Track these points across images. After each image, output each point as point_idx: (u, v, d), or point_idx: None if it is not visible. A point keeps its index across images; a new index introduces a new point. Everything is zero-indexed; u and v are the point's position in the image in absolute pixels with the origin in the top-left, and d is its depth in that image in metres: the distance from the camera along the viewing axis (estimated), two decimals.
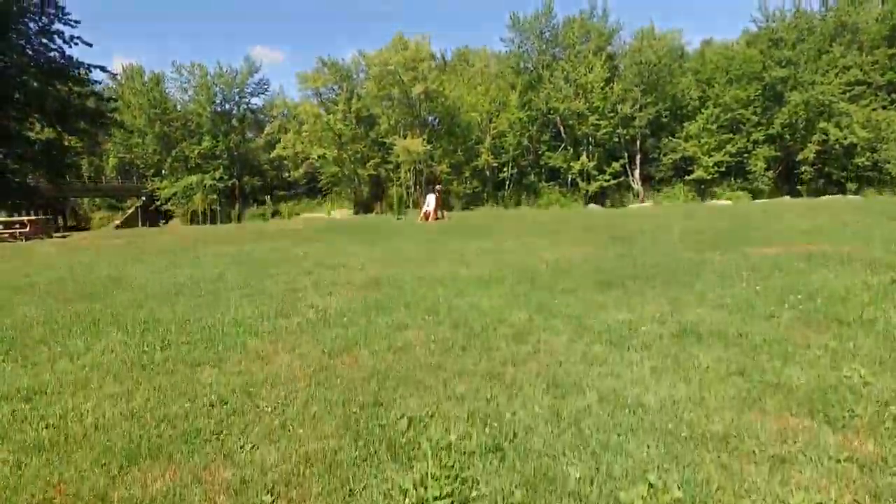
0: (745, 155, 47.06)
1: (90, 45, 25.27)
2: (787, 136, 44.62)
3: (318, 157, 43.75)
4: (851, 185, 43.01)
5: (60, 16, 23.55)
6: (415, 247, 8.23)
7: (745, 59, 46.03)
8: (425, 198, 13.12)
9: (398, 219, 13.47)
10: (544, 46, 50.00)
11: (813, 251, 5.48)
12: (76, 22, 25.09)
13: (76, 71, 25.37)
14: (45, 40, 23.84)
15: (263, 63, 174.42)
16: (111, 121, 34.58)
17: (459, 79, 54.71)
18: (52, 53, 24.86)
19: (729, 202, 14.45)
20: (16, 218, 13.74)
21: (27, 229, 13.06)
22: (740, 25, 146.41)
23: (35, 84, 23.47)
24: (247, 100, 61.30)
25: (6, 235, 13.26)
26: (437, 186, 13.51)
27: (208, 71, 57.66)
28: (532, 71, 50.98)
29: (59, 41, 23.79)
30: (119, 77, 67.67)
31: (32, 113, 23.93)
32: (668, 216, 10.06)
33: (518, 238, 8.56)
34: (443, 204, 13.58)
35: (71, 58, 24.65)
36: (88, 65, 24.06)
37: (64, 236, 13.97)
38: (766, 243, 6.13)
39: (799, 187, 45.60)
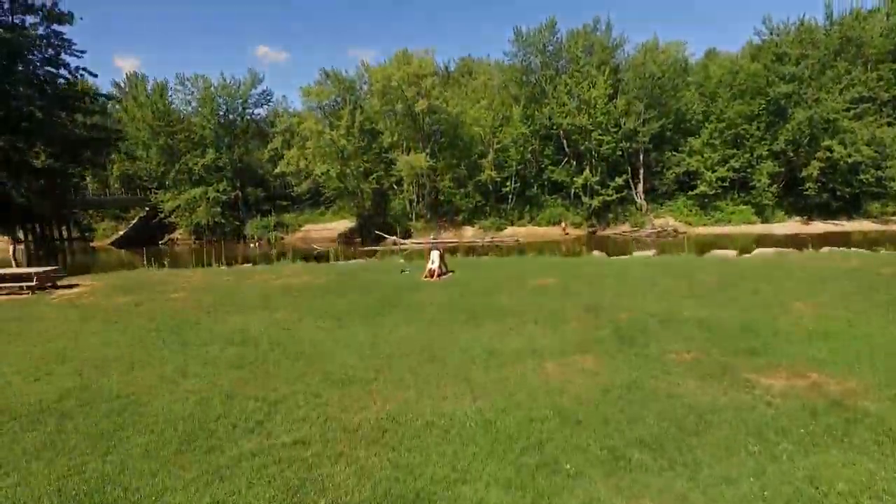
0: (749, 170, 46.98)
1: (95, 76, 25.56)
2: (791, 153, 44.50)
3: (322, 173, 43.77)
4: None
5: (66, 47, 23.71)
6: (413, 336, 8.18)
7: (750, 74, 45.93)
8: (429, 255, 13.10)
9: (402, 272, 13.43)
10: (548, 60, 49.97)
11: (821, 389, 5.47)
12: (81, 52, 25.26)
13: (82, 101, 25.48)
14: (50, 69, 23.99)
15: (267, 62, 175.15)
16: (116, 144, 34.67)
17: (462, 91, 54.78)
18: (59, 81, 24.98)
19: (732, 254, 14.31)
20: (24, 270, 13.79)
21: (34, 282, 13.12)
22: (744, 32, 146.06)
23: (40, 115, 23.59)
24: (250, 110, 61.73)
25: (15, 288, 13.34)
26: (439, 250, 13.46)
27: (212, 82, 57.91)
28: (535, 84, 50.98)
29: (64, 72, 23.97)
30: (123, 85, 68.30)
31: (38, 143, 24.07)
32: (671, 293, 10.03)
33: (522, 323, 8.56)
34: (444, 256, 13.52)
35: (76, 88, 24.78)
36: (95, 94, 24.37)
37: (70, 286, 14.03)
38: (770, 366, 6.13)
39: (802, 196, 45.67)
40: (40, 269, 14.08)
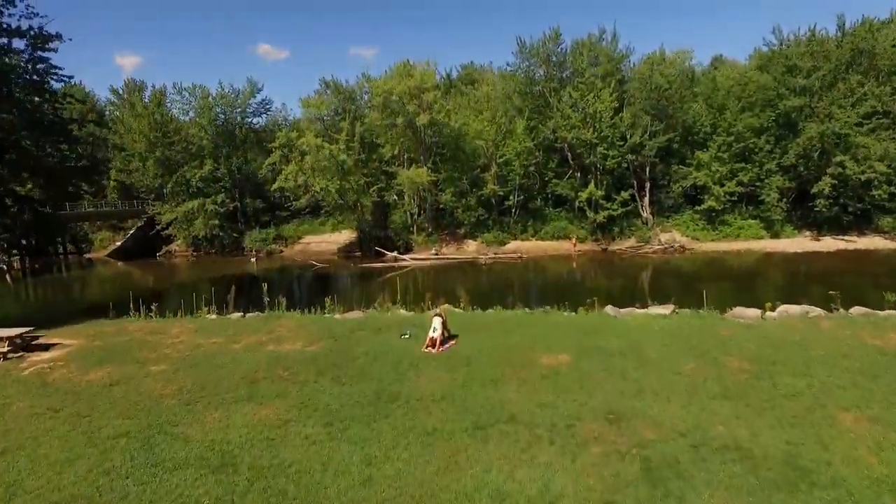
0: (758, 184, 45.92)
1: (83, 103, 24.74)
2: (802, 168, 43.39)
3: (321, 189, 42.79)
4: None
5: (53, 74, 22.71)
6: (411, 467, 7.19)
7: (759, 86, 44.83)
8: (431, 322, 12.12)
9: (402, 336, 12.45)
10: (552, 71, 48.86)
11: None
12: (69, 77, 24.27)
13: (70, 127, 24.51)
14: (36, 98, 22.99)
15: (269, 61, 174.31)
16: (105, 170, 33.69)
17: (465, 100, 53.71)
18: (45, 106, 23.98)
19: (755, 313, 13.29)
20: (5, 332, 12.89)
21: (5, 348, 12.20)
22: (750, 34, 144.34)
23: (27, 143, 22.62)
24: (249, 120, 60.80)
25: None
26: (441, 310, 12.45)
27: (210, 92, 56.93)
28: (539, 96, 49.91)
29: (50, 99, 22.96)
30: (122, 91, 67.35)
31: (24, 174, 23.10)
32: (698, 389, 9.06)
33: (535, 440, 7.59)
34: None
35: (62, 116, 23.82)
36: (83, 119, 23.53)
37: (47, 346, 13.11)
38: None
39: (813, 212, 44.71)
40: (13, 332, 13.13)
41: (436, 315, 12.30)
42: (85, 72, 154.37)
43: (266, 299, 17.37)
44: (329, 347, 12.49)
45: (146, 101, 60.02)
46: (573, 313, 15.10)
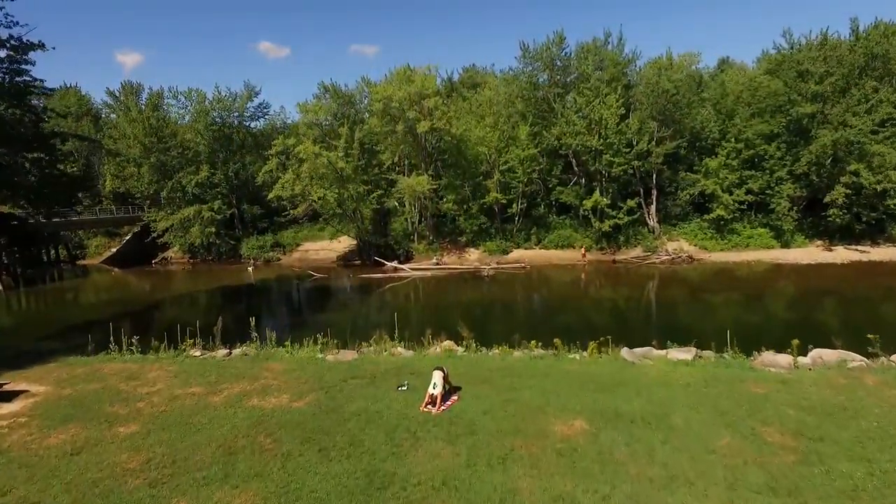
0: (768, 192, 44.65)
1: (64, 117, 23.60)
2: (814, 176, 42.06)
3: (319, 198, 41.58)
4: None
5: (33, 88, 21.61)
6: None
7: (770, 92, 43.50)
8: (431, 378, 10.93)
9: (399, 388, 11.27)
10: (556, 76, 47.53)
11: None
12: (50, 90, 23.14)
13: (52, 142, 23.41)
14: (16, 112, 21.86)
15: (269, 59, 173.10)
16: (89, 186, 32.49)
17: (467, 105, 52.45)
18: (25, 119, 22.84)
19: (788, 360, 12.03)
20: None
21: None
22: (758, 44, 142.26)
23: (6, 159, 21.47)
24: (247, 124, 59.61)
25: None
26: (442, 370, 11.26)
27: (206, 96, 55.75)
28: (542, 101, 48.59)
29: (28, 112, 21.85)
30: (118, 94, 66.17)
31: (4, 190, 21.98)
32: (737, 478, 7.84)
33: None
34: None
35: (42, 129, 22.69)
36: (65, 132, 22.37)
37: (13, 394, 11.97)
38: None
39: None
40: None
41: (436, 369, 11.12)
42: (85, 70, 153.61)
43: (254, 335, 16.18)
44: (318, 403, 11.29)
45: (142, 104, 59.03)
46: (585, 355, 13.90)
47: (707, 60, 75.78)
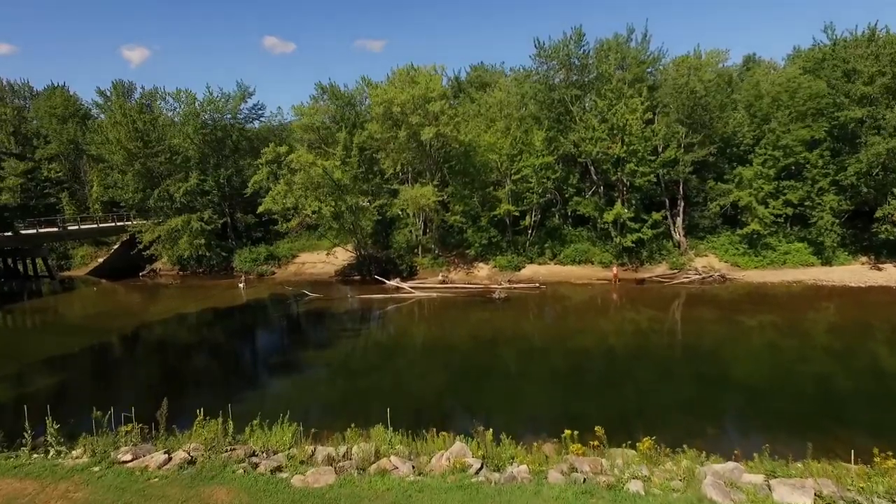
0: (807, 203, 40.52)
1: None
2: (864, 187, 37.81)
3: (313, 211, 37.83)
4: None
5: None
6: None
7: (812, 93, 39.24)
8: None
9: None
10: (574, 77, 43.38)
11: None
12: None
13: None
14: None
15: (275, 54, 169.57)
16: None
17: (476, 108, 48.48)
18: None
19: None
20: None
21: None
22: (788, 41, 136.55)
23: None
24: (241, 126, 55.87)
25: None
26: None
27: (196, 97, 52.08)
28: (559, 104, 44.48)
29: None
30: (109, 94, 62.74)
31: None
32: None
33: None
34: None
35: None
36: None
37: None
38: None
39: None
40: None
41: None
42: (88, 65, 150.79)
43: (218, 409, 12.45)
44: None
45: (131, 103, 55.48)
46: (644, 472, 10.05)
47: (732, 58, 71.26)
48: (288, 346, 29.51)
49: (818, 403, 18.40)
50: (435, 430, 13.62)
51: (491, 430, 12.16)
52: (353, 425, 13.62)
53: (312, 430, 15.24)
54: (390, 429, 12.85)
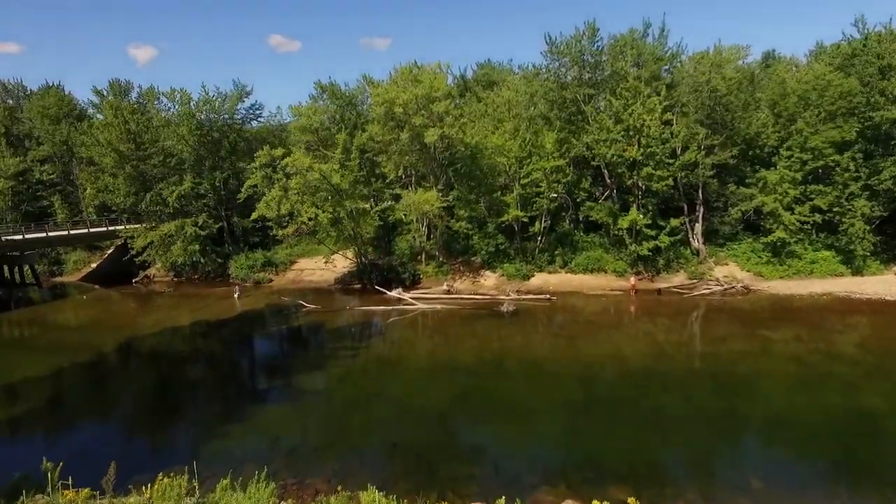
0: (836, 209, 37.94)
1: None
2: None
3: (310, 218, 35.63)
4: None
5: None
6: None
7: (843, 92, 36.65)
8: None
9: None
10: (587, 75, 40.88)
11: None
12: None
13: None
14: None
15: (280, 52, 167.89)
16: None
17: (483, 108, 46.16)
18: None
19: None
20: None
21: None
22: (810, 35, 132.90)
23: None
24: (238, 126, 53.71)
25: None
26: None
27: (191, 97, 49.87)
28: (571, 103, 42.03)
29: None
30: (106, 92, 60.79)
31: None
32: None
33: None
34: None
35: None
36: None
37: None
38: None
39: None
40: None
41: None
42: (95, 65, 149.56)
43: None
44: None
45: (127, 102, 53.42)
46: None
47: (754, 55, 68.41)
48: (279, 369, 27.30)
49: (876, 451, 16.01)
50: (436, 495, 11.38)
51: (503, 498, 9.89)
52: (339, 488, 11.52)
53: (294, 485, 12.97)
54: (383, 493, 10.60)
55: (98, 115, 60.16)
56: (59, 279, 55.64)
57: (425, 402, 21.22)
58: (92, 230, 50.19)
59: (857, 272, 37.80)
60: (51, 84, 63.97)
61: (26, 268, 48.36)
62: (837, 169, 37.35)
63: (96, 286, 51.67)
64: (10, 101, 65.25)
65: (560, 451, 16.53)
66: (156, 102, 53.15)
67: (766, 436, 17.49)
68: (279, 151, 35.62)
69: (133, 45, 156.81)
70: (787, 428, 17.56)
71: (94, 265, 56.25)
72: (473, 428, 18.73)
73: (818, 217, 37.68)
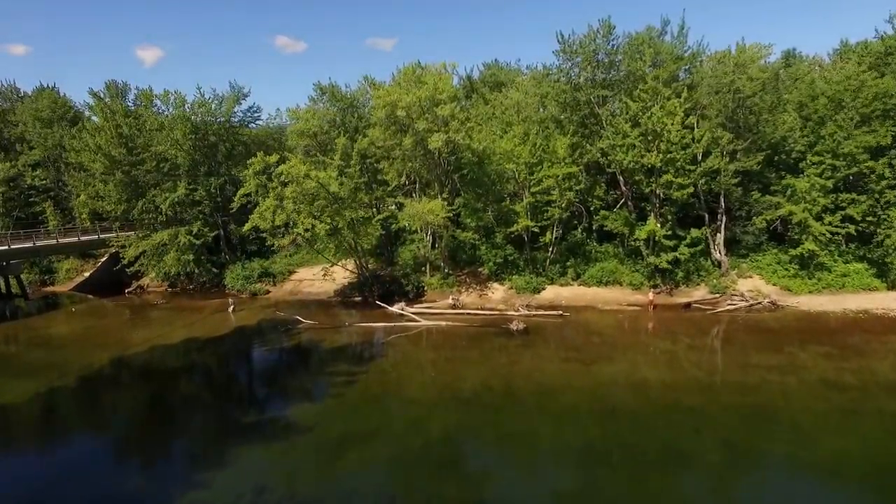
0: (870, 219, 35.43)
1: None
2: None
3: (306, 229, 33.44)
4: None
5: None
6: None
7: (879, 93, 34.14)
8: None
9: None
10: (601, 76, 38.45)
11: None
12: None
13: None
14: None
15: (286, 54, 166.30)
16: None
17: (490, 110, 43.87)
18: None
19: None
20: None
21: None
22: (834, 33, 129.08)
23: None
24: (235, 130, 51.67)
25: None
26: None
27: (185, 99, 47.93)
28: (584, 105, 39.64)
29: None
30: (103, 94, 58.90)
31: None
32: None
33: None
34: None
35: None
36: None
37: None
38: None
39: None
40: None
41: None
42: (103, 66, 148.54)
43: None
44: None
45: (122, 105, 51.48)
46: None
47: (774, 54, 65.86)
48: (270, 399, 25.07)
49: None
50: None
51: None
52: None
53: None
54: None
55: (94, 118, 58.42)
56: (50, 289, 53.76)
57: (427, 441, 18.97)
58: (82, 238, 48.20)
59: (893, 287, 35.20)
60: (45, 86, 62.26)
61: (12, 279, 46.38)
62: (872, 176, 34.86)
63: (89, 296, 49.78)
64: (3, 104, 63.48)
65: None
66: (151, 105, 51.16)
67: (820, 490, 15.12)
68: (273, 158, 33.45)
69: (140, 46, 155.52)
70: (839, 478, 15.21)
71: (86, 274, 54.33)
72: (480, 479, 16.48)
73: (851, 227, 35.13)
